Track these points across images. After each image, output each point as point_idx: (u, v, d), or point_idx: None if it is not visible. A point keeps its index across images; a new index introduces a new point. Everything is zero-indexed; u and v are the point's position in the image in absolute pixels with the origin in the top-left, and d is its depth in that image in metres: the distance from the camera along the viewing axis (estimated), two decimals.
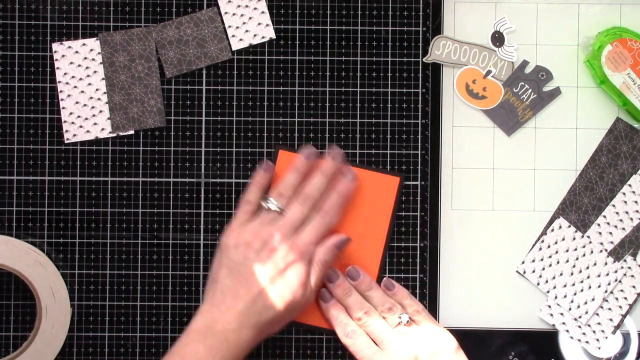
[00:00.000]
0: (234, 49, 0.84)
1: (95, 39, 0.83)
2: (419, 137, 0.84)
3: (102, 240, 0.84)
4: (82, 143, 0.84)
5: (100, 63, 0.83)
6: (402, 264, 0.84)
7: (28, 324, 0.83)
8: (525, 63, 0.84)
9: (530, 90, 0.84)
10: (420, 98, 0.84)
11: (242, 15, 0.84)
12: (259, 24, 0.85)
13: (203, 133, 0.84)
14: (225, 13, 0.84)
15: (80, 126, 0.83)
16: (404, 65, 0.84)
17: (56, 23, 0.83)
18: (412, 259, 0.84)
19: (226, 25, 0.84)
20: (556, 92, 0.85)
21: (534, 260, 0.84)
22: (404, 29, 0.84)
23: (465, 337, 0.83)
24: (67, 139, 0.83)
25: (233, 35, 0.84)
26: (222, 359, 0.74)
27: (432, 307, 0.84)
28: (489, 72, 0.84)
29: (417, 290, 0.84)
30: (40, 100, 0.83)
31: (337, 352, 0.84)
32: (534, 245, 0.84)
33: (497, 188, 0.85)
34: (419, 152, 0.84)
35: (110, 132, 0.83)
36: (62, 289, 0.82)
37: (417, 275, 0.84)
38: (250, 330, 0.75)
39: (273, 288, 0.76)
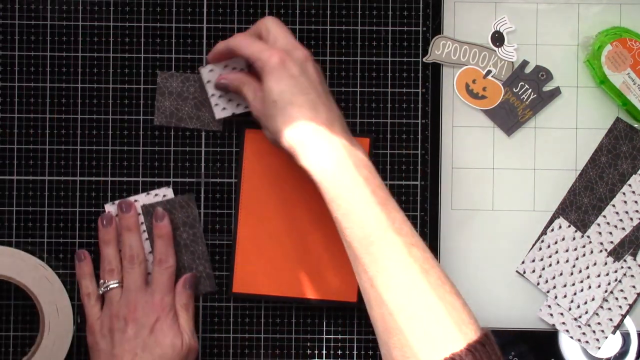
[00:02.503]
0: None
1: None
2: (419, 137, 0.84)
3: None
4: (82, 143, 0.84)
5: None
6: None
7: (28, 340, 0.83)
8: (525, 63, 0.84)
9: (530, 90, 0.84)
10: (420, 98, 0.84)
11: None
12: None
13: (202, 133, 0.84)
14: None
15: None
16: (404, 65, 0.84)
17: (56, 23, 0.83)
18: None
19: None
20: (556, 92, 0.85)
21: (534, 260, 0.84)
22: (404, 29, 0.84)
23: None
24: None
25: None
26: None
27: None
28: (489, 72, 0.84)
29: None
30: (41, 100, 0.83)
31: (337, 352, 0.84)
32: (534, 245, 0.84)
33: (497, 188, 0.85)
34: (419, 152, 0.84)
35: None
36: (66, 307, 0.81)
37: None
38: None
39: (148, 353, 0.77)
